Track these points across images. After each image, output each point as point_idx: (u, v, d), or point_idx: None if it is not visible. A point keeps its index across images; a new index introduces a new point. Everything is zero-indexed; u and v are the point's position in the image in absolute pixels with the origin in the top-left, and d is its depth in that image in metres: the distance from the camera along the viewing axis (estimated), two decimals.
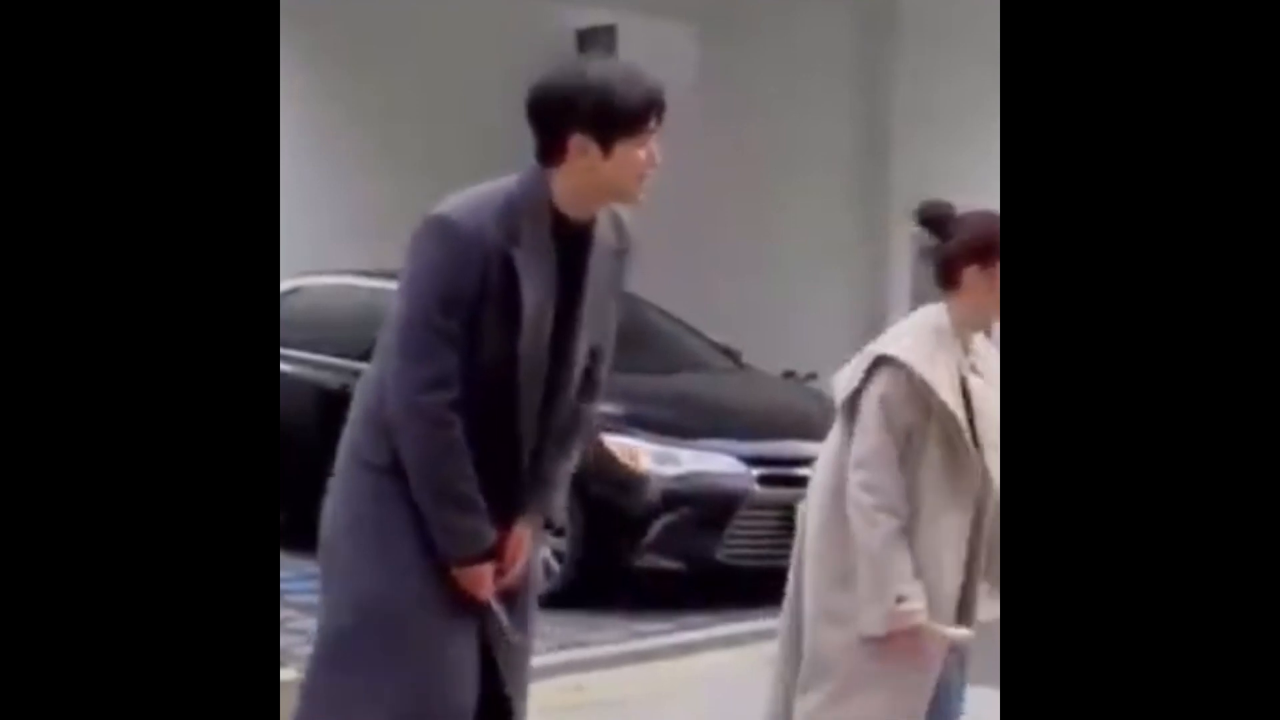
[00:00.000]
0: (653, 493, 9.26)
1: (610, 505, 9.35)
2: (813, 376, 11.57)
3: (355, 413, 4.08)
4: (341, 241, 11.61)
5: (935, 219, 4.52)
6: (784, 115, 12.96)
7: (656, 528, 9.20)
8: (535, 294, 3.90)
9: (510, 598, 4.10)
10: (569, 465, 4.18)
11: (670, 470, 9.29)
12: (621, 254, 4.12)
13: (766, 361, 11.41)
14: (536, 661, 8.06)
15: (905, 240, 12.57)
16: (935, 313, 4.48)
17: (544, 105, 3.90)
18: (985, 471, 4.39)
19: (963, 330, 4.47)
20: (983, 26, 12.94)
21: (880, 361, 4.37)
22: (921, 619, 4.32)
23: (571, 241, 3.97)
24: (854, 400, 4.40)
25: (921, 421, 4.33)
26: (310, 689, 4.06)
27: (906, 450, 4.33)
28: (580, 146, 3.86)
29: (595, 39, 13.65)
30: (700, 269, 12.87)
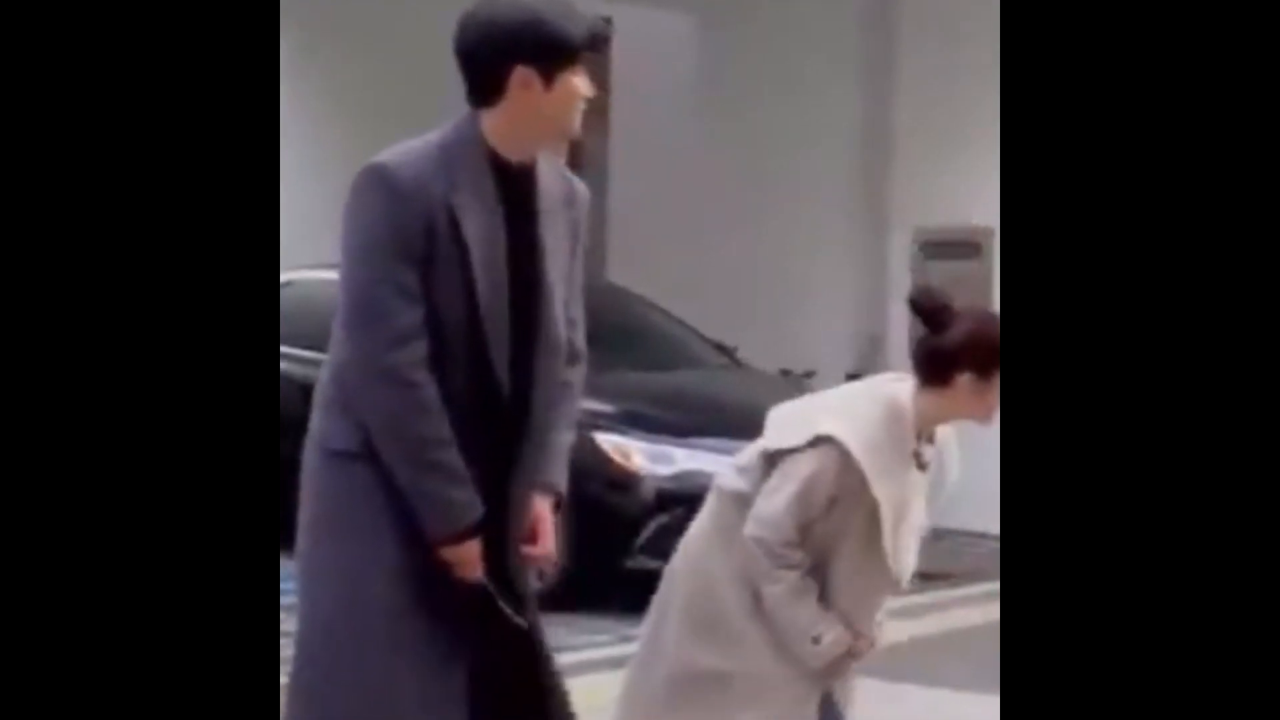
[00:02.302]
0: (646, 492, 9.24)
1: (602, 505, 9.28)
2: (810, 375, 11.48)
3: (318, 399, 3.90)
4: (335, 236, 11.50)
5: (932, 310, 4.33)
6: (783, 109, 12.85)
7: (650, 528, 9.16)
8: (480, 236, 3.76)
9: (514, 585, 3.93)
10: (566, 436, 4.02)
11: (664, 469, 9.25)
12: (572, 206, 3.97)
13: (762, 359, 11.32)
14: None
15: (906, 238, 12.47)
16: (895, 394, 4.32)
17: (485, 40, 3.80)
18: (890, 565, 4.31)
19: (929, 422, 4.35)
20: (986, 20, 12.88)
21: (823, 440, 4.23)
22: (843, 646, 4.31)
23: (514, 186, 3.85)
24: (780, 455, 4.28)
25: (850, 500, 4.23)
26: (292, 689, 3.90)
27: (825, 520, 4.24)
28: (523, 80, 3.78)
29: None
30: (695, 264, 12.78)
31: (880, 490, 4.20)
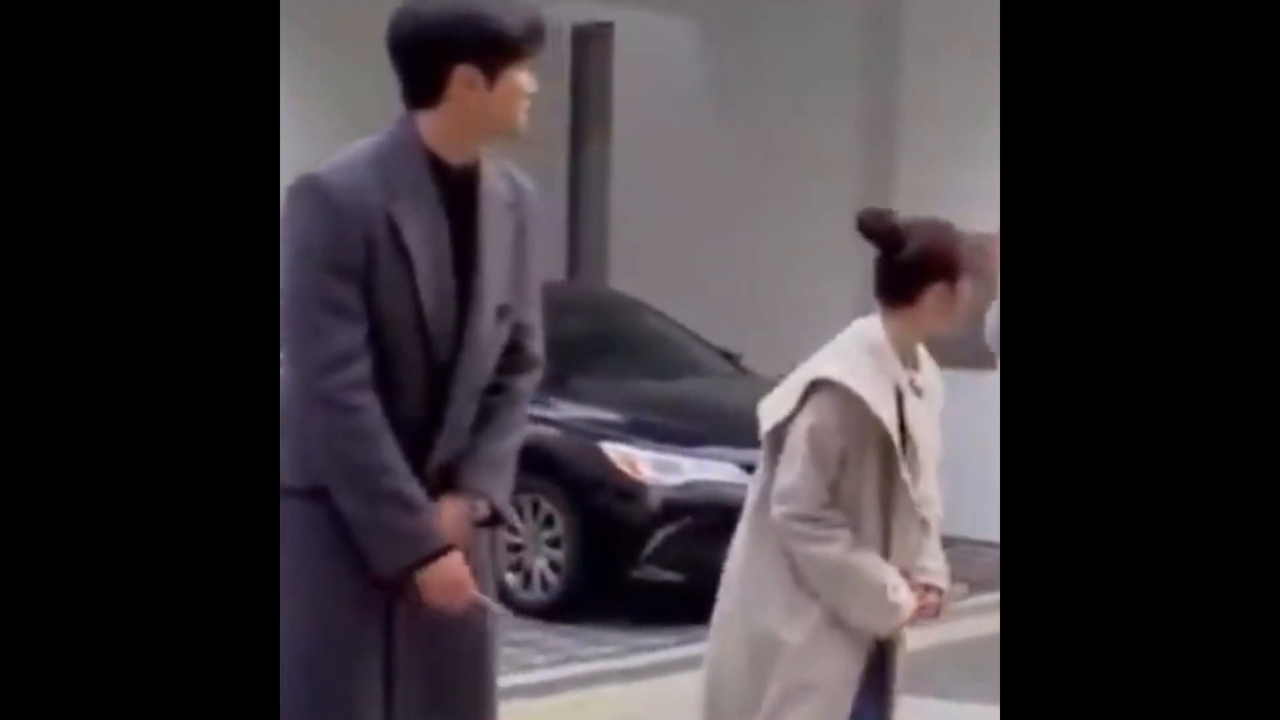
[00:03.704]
0: (653, 502, 9.12)
1: (609, 515, 9.25)
2: None
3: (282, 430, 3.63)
4: None
5: (885, 230, 4.24)
6: (785, 114, 12.79)
7: (657, 538, 9.05)
8: (422, 243, 3.60)
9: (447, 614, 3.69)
10: (506, 445, 3.80)
11: (671, 479, 9.14)
12: (517, 208, 3.79)
13: (764, 365, 11.23)
14: (532, 679, 7.97)
15: None
16: (869, 328, 4.25)
17: (422, 39, 3.62)
18: (914, 497, 4.19)
19: (907, 345, 4.26)
20: (988, 27, 12.80)
21: (815, 386, 4.13)
22: (911, 596, 4.21)
23: (456, 189, 3.68)
24: (783, 427, 4.17)
25: (859, 446, 4.12)
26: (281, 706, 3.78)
27: (843, 478, 4.13)
28: (465, 79, 3.61)
29: (592, 36, 13.51)
30: (698, 269, 12.71)
31: (883, 414, 4.09)
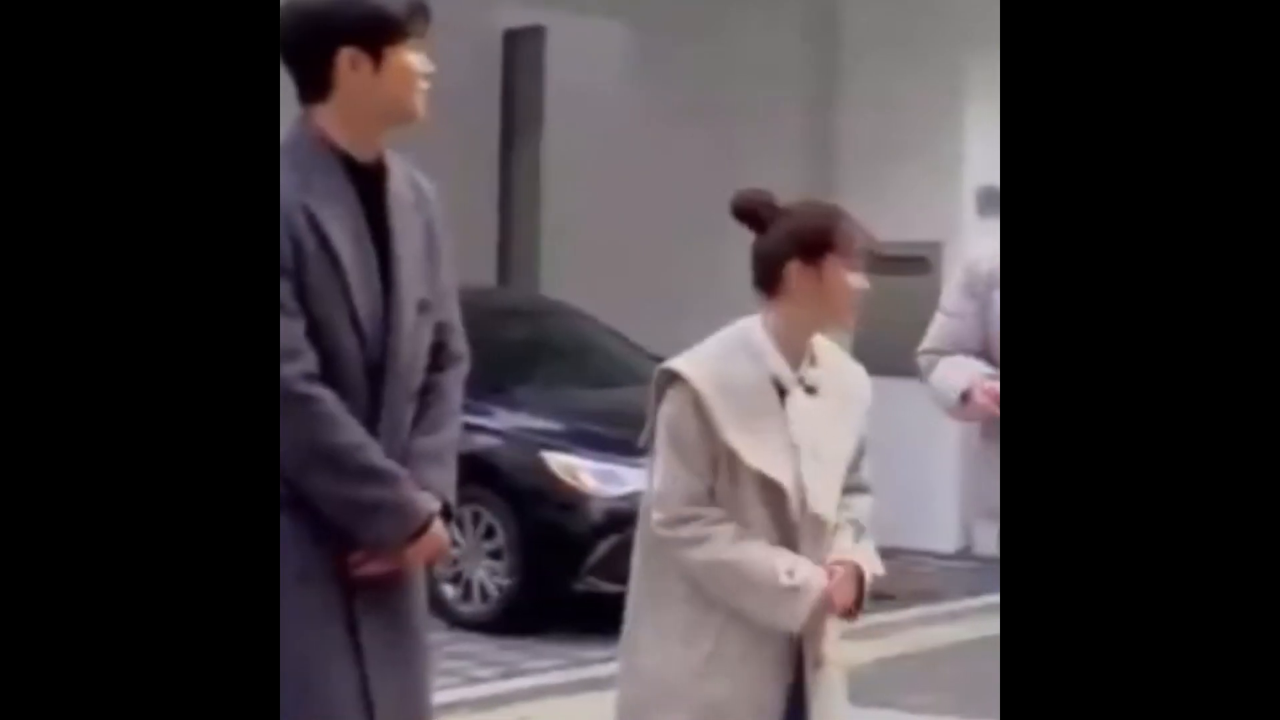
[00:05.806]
0: (595, 513, 9.09)
1: (551, 526, 9.22)
2: None
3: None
4: None
5: (751, 210, 4.02)
6: (719, 117, 12.76)
7: (600, 550, 8.99)
8: (346, 238, 3.58)
9: (384, 605, 3.65)
10: (441, 439, 3.75)
11: (614, 489, 9.10)
12: (422, 208, 3.78)
13: None
14: (478, 692, 7.89)
15: None
16: (746, 322, 4.03)
17: (303, 28, 3.60)
18: (809, 500, 3.89)
19: (789, 339, 3.98)
20: (930, 29, 12.83)
21: (669, 379, 3.91)
22: (821, 581, 3.86)
23: (364, 185, 3.67)
24: (650, 431, 3.97)
25: (728, 452, 3.86)
26: None
27: (718, 481, 3.86)
28: (350, 62, 3.60)
29: (524, 39, 13.43)
30: (630, 276, 12.65)
31: (719, 407, 3.83)
